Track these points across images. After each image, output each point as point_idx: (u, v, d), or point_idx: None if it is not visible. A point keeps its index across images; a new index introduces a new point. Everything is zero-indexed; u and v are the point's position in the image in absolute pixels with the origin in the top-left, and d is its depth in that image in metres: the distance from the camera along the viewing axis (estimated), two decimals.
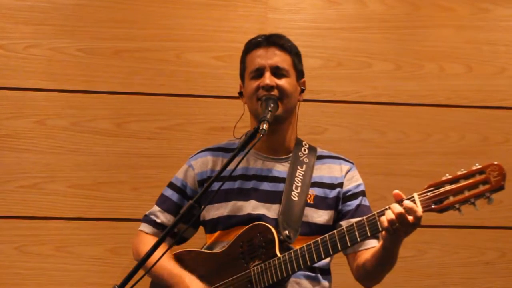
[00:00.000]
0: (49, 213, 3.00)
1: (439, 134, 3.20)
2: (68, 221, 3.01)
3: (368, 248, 2.25)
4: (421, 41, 3.23)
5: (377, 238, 2.23)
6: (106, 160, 3.04)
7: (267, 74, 2.29)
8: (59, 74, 3.05)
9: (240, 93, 2.41)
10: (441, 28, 3.24)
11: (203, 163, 2.38)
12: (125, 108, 3.07)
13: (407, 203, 1.98)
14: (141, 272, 1.99)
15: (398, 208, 1.98)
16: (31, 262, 2.98)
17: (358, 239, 2.07)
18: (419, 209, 1.97)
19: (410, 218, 1.98)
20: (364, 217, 2.07)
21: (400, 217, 1.97)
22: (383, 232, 2.05)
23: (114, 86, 3.07)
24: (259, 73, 2.31)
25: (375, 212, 2.05)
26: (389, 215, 1.99)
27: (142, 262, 1.99)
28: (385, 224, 1.99)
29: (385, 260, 2.16)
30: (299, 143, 2.40)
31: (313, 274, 2.26)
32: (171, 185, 2.42)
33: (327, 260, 2.30)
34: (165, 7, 3.11)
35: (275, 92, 2.27)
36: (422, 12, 3.23)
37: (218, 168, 2.34)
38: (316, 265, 2.25)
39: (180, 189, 2.39)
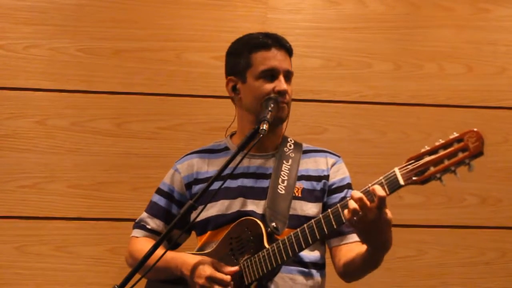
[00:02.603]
0: (49, 213, 3.00)
1: (439, 134, 3.16)
2: (68, 221, 3.02)
3: (350, 242, 2.24)
4: (421, 41, 3.23)
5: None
6: (106, 160, 3.05)
7: (282, 79, 2.29)
8: (59, 74, 3.05)
9: (234, 88, 2.37)
10: (441, 28, 3.24)
11: (189, 166, 2.38)
12: (125, 108, 3.07)
13: (369, 189, 1.92)
14: (141, 272, 1.99)
15: (357, 193, 1.92)
16: (31, 262, 2.98)
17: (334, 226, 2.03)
18: (381, 191, 1.89)
19: (371, 202, 1.90)
20: (338, 204, 2.02)
21: (360, 201, 1.90)
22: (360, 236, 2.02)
23: (114, 86, 3.07)
24: (270, 74, 2.29)
25: (339, 204, 2.02)
26: (351, 204, 1.92)
27: (142, 262, 1.99)
28: (347, 215, 1.93)
29: (368, 265, 2.15)
30: (284, 139, 2.41)
31: (306, 269, 2.25)
32: (158, 191, 2.42)
33: (319, 254, 2.30)
34: (165, 7, 3.11)
35: (286, 98, 2.29)
36: (422, 12, 3.23)
37: (204, 170, 2.35)
38: (308, 260, 2.25)
39: (167, 194, 2.39)
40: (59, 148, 3.03)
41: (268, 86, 2.28)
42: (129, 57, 3.08)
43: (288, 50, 2.35)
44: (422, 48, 3.22)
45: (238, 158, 2.12)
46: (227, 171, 2.16)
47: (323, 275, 2.31)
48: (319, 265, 2.30)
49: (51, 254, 2.99)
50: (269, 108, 2.22)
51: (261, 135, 2.15)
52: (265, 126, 2.16)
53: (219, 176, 2.09)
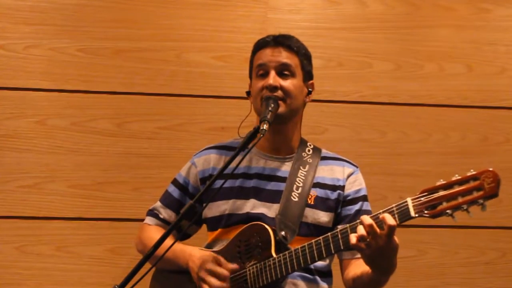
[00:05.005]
0: (49, 213, 3.00)
1: (439, 134, 3.20)
2: (68, 221, 3.01)
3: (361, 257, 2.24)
4: (421, 41, 3.23)
5: None
6: (106, 160, 3.04)
7: (272, 74, 2.27)
8: (59, 74, 3.05)
9: (248, 93, 2.40)
10: (441, 28, 3.24)
11: (206, 161, 2.38)
12: (125, 108, 3.07)
13: (379, 216, 1.95)
14: (142, 271, 1.99)
15: (367, 220, 1.96)
16: (31, 262, 2.98)
17: (342, 247, 2.06)
18: (391, 220, 1.93)
19: (381, 230, 1.94)
20: (348, 226, 2.05)
21: (370, 228, 1.94)
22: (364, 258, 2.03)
23: (114, 86, 3.07)
24: (263, 71, 2.29)
25: (348, 225, 2.04)
26: (360, 230, 1.96)
27: (142, 262, 1.98)
28: (354, 240, 1.96)
29: (373, 284, 2.15)
30: (303, 143, 2.39)
31: (310, 276, 2.25)
32: (174, 182, 2.43)
33: (326, 262, 2.30)
34: (165, 7, 3.11)
35: (279, 93, 2.25)
36: (422, 12, 3.23)
37: (221, 166, 2.34)
38: (314, 267, 2.24)
39: (182, 186, 2.40)
40: (59, 148, 3.03)
41: (260, 83, 2.28)
42: (129, 57, 3.08)
43: (287, 47, 2.32)
44: (422, 48, 3.22)
45: (239, 158, 2.12)
46: (241, 170, 2.22)
47: (329, 283, 2.30)
48: (325, 273, 2.29)
49: (51, 254, 2.99)
50: (270, 108, 2.21)
51: (261, 135, 2.14)
52: (265, 126, 2.15)
53: (219, 176, 2.08)
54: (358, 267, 2.21)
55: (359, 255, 2.22)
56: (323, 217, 2.27)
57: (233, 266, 2.17)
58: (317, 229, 2.24)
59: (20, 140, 3.02)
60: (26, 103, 3.03)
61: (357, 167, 2.39)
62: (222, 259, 2.17)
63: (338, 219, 2.30)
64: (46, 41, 3.05)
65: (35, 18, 3.06)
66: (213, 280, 2.14)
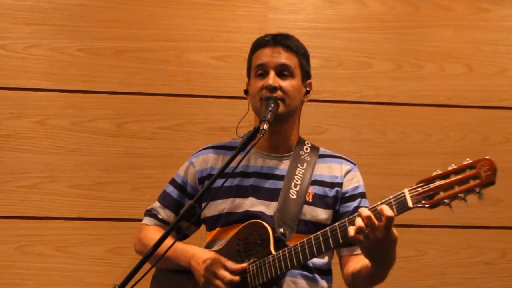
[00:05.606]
0: (49, 213, 3.00)
1: (439, 134, 3.20)
2: (68, 221, 3.02)
3: (360, 253, 2.20)
4: (421, 41, 3.23)
5: None
6: (106, 160, 3.05)
7: (271, 74, 2.27)
8: (60, 74, 3.05)
9: (246, 91, 2.40)
10: (441, 28, 3.24)
11: (204, 161, 2.38)
12: (125, 108, 3.07)
13: (377, 207, 1.95)
14: (142, 271, 1.99)
15: (365, 211, 1.96)
16: (31, 262, 2.98)
17: (340, 241, 2.06)
18: (389, 211, 1.93)
19: (379, 221, 1.94)
20: (346, 219, 2.05)
21: (368, 220, 1.94)
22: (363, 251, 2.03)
23: (114, 86, 3.07)
24: (263, 71, 2.30)
25: (346, 219, 2.05)
26: (358, 222, 1.96)
27: (142, 262, 1.98)
28: (352, 232, 1.96)
29: (373, 279, 2.16)
30: (301, 142, 2.39)
31: (310, 274, 2.25)
32: (172, 182, 2.43)
33: (326, 260, 2.30)
34: (166, 7, 3.11)
35: (278, 93, 2.26)
36: (422, 12, 3.23)
37: (219, 166, 2.34)
38: (313, 265, 2.24)
39: (180, 186, 2.40)
40: (59, 148, 3.03)
41: (259, 83, 2.29)
42: (129, 57, 3.08)
43: (286, 46, 2.32)
44: (422, 48, 3.23)
45: (239, 157, 2.12)
46: (239, 169, 2.22)
47: (329, 281, 2.30)
48: (324, 271, 2.29)
49: (51, 254, 2.99)
50: (270, 108, 2.21)
51: (261, 135, 2.14)
52: (265, 126, 2.15)
53: (219, 175, 2.07)
54: (358, 262, 2.21)
55: (358, 252, 2.23)
56: (322, 214, 2.27)
57: (239, 266, 2.16)
58: (315, 226, 2.23)
59: (20, 140, 3.02)
60: (26, 103, 3.03)
61: (354, 164, 2.39)
62: (227, 261, 2.18)
63: (336, 216, 2.29)
64: (46, 41, 3.05)
65: (35, 18, 3.06)
66: (219, 282, 2.14)
